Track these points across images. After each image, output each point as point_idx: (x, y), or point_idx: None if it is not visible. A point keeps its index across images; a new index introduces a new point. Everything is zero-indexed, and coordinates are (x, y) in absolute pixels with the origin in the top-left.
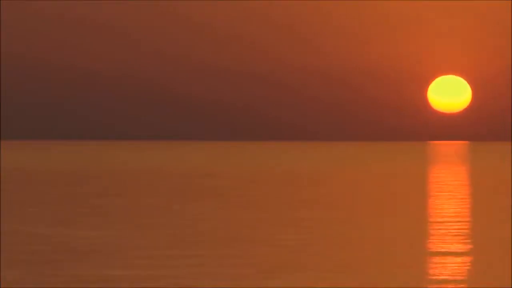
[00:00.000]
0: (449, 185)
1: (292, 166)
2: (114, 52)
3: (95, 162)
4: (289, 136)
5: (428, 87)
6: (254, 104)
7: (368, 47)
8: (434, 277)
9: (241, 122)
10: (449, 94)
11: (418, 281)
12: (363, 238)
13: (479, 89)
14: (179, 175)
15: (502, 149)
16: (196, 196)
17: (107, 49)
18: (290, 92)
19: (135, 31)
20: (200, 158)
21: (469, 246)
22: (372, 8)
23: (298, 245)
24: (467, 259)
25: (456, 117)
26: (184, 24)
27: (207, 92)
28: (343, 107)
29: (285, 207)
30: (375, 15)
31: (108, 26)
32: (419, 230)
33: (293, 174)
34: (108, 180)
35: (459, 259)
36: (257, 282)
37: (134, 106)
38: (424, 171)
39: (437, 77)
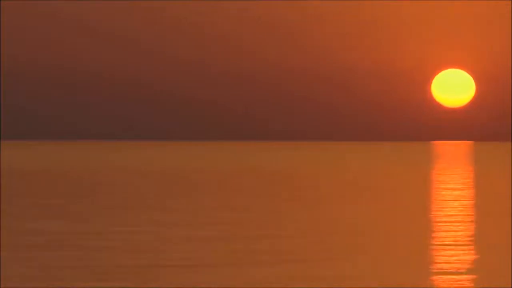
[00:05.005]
0: (451, 186)
1: (294, 166)
2: (114, 53)
3: (94, 162)
4: (290, 136)
5: (430, 84)
6: (255, 105)
7: (368, 46)
8: (436, 277)
9: (243, 122)
10: (453, 87)
11: (420, 280)
12: (364, 237)
13: (482, 86)
14: (172, 174)
15: (507, 149)
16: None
17: (107, 50)
18: (291, 92)
19: (134, 32)
20: (191, 157)
21: (470, 246)
22: (373, 8)
23: (299, 242)
24: (467, 259)
25: (461, 112)
26: (181, 25)
27: (205, 93)
28: (345, 107)
29: (288, 206)
30: (375, 15)
31: (108, 27)
32: (420, 230)
33: (295, 174)
34: (103, 179)
35: (459, 259)
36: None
37: (134, 106)
38: (426, 172)
39: (439, 72)
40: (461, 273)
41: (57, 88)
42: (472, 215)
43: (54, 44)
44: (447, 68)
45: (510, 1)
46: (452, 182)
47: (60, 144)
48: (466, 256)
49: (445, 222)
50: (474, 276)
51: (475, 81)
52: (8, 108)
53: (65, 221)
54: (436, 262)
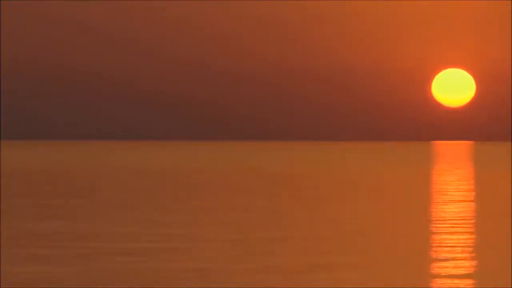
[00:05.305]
0: (451, 187)
1: (294, 166)
2: (114, 53)
3: (94, 162)
4: (290, 136)
5: (430, 84)
6: (255, 105)
7: (368, 46)
8: (436, 277)
9: (243, 122)
10: (454, 86)
11: (420, 280)
12: (364, 238)
13: (482, 86)
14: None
15: (507, 149)
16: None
17: (107, 50)
18: (291, 92)
19: (134, 32)
20: (187, 158)
21: (470, 247)
22: (373, 8)
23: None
24: (467, 259)
25: (461, 112)
26: (181, 25)
27: (205, 93)
28: (345, 107)
29: (288, 206)
30: (375, 15)
31: (108, 27)
32: (419, 230)
33: (295, 174)
34: (103, 179)
35: (459, 260)
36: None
37: (134, 106)
38: (426, 172)
39: (439, 72)
40: (461, 274)
41: (57, 88)
42: (472, 215)
43: (54, 44)
44: (447, 68)
45: (510, 1)
46: (452, 182)
47: (60, 144)
48: (466, 256)
49: (445, 222)
50: (474, 276)
51: (475, 81)
52: (8, 108)
53: (65, 221)
54: (436, 263)
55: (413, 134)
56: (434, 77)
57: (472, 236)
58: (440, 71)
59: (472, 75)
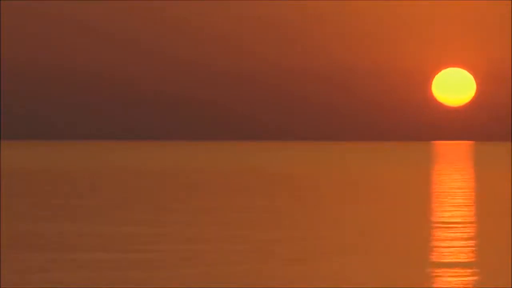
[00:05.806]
0: (451, 186)
1: (294, 166)
2: (114, 53)
3: (94, 162)
4: (290, 136)
5: (431, 83)
6: (255, 105)
7: (368, 46)
8: (436, 277)
9: (243, 122)
10: (454, 86)
11: (420, 280)
12: (364, 238)
13: (482, 86)
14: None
15: (507, 149)
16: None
17: (107, 50)
18: (291, 92)
19: (134, 32)
20: (188, 158)
21: (470, 247)
22: (373, 8)
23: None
24: (467, 259)
25: (461, 112)
26: (181, 25)
27: (205, 93)
28: (345, 107)
29: (288, 206)
30: (375, 15)
31: (108, 27)
32: (419, 230)
33: (295, 174)
34: (103, 179)
35: (459, 260)
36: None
37: (134, 106)
38: (426, 172)
39: (440, 71)
40: (461, 273)
41: (57, 88)
42: (472, 215)
43: (54, 44)
44: (447, 68)
45: (510, 1)
46: (452, 182)
47: (60, 144)
48: (466, 256)
49: (445, 222)
50: (475, 276)
51: (475, 81)
52: (8, 108)
53: (65, 221)
54: (435, 263)
55: (413, 134)
56: (434, 77)
57: (472, 237)
58: (440, 71)
59: (472, 75)
